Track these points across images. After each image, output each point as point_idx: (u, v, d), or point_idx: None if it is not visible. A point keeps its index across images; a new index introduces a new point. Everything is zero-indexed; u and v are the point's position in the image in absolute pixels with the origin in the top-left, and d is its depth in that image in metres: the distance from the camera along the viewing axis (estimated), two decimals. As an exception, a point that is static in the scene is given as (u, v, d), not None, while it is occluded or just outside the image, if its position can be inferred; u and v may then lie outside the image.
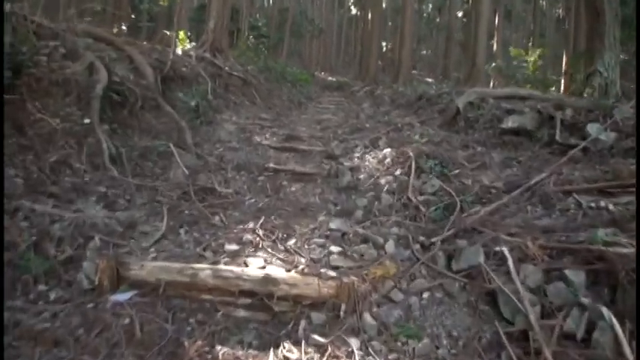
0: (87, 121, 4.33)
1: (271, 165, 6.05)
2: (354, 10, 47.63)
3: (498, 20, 28.26)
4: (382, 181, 5.28)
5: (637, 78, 7.50)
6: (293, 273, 2.97)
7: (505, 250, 2.91)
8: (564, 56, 18.59)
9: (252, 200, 4.82)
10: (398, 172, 5.29)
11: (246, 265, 3.07)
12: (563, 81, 17.36)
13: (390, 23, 43.38)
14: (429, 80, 28.96)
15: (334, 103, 16.33)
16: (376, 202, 4.59)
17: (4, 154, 3.61)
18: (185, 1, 17.00)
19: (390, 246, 3.45)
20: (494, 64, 22.48)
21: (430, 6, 44.71)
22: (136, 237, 3.30)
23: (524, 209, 3.83)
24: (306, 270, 3.06)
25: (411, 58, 22.58)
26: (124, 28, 14.52)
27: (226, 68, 11.26)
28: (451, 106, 8.33)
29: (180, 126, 5.85)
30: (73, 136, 4.18)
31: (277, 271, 2.98)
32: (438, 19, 44.01)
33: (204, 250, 3.29)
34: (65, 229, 2.94)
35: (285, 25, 28.61)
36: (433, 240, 3.51)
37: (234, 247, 3.35)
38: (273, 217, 4.33)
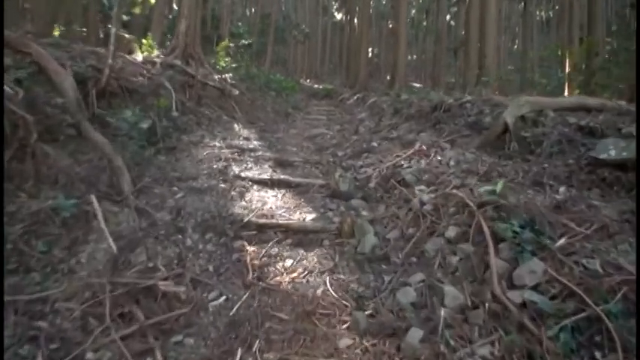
0: None
1: (253, 219, 4.08)
2: (338, 16, 45.97)
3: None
4: (429, 248, 3.35)
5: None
6: None
7: None
8: (567, 58, 17.04)
9: (222, 299, 2.84)
10: (452, 234, 3.37)
11: None
12: (567, 84, 15.79)
13: (373, 28, 41.81)
14: (418, 85, 27.28)
15: (325, 113, 14.43)
16: (434, 299, 2.66)
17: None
18: (160, 8, 14.94)
19: None
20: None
21: (414, 11, 43.28)
22: None
23: None
24: None
25: (406, 63, 20.80)
26: (78, 29, 12.45)
27: (199, 77, 9.29)
28: (486, 120, 6.50)
29: (115, 165, 3.84)
30: None
31: None
32: (424, 23, 42.62)
33: None
34: None
35: (268, 31, 26.78)
36: None
37: None
38: (257, 345, 2.38)
